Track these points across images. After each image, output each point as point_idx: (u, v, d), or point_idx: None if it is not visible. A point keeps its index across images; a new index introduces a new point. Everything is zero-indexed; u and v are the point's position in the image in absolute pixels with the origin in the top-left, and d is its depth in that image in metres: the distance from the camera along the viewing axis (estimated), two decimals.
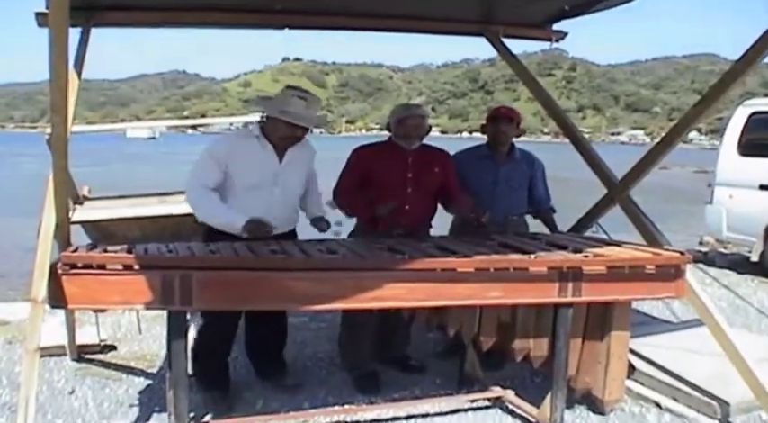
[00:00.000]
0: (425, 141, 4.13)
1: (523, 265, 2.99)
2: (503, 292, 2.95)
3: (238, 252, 2.96)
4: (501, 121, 4.29)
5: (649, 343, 4.32)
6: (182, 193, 4.62)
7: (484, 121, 4.42)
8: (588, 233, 4.36)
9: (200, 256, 2.85)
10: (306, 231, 3.88)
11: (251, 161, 3.60)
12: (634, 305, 3.52)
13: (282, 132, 3.57)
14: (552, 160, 5.63)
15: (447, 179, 4.08)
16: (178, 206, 4.53)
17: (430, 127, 4.13)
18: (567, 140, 4.69)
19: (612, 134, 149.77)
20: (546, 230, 4.31)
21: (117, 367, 4.32)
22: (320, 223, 3.83)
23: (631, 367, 3.60)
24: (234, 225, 3.45)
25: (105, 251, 2.80)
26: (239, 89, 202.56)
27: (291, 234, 3.81)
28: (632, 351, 3.70)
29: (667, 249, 3.45)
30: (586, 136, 4.82)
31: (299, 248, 3.07)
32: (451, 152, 4.35)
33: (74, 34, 3.70)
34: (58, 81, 2.17)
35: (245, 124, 6.12)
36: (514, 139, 4.39)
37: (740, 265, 8.37)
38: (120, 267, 2.64)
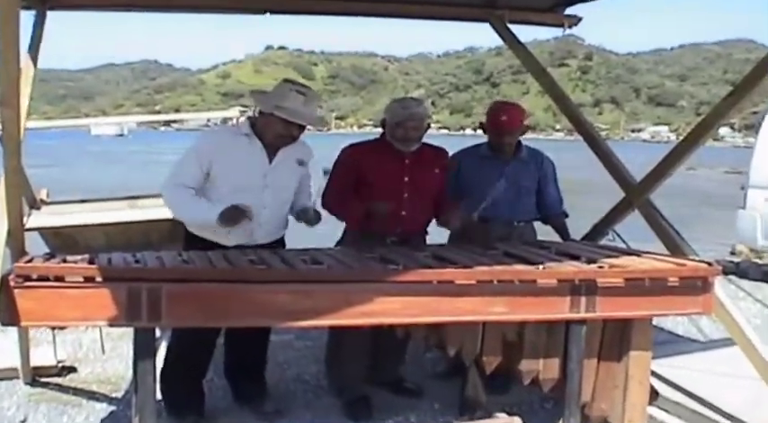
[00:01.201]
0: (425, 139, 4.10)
1: (531, 276, 2.99)
2: (508, 307, 2.95)
3: (213, 262, 2.96)
4: (503, 134, 4.22)
5: (674, 364, 4.32)
6: (154, 196, 4.62)
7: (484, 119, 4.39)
8: (604, 241, 4.37)
9: (170, 266, 2.85)
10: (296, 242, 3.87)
11: (238, 161, 3.61)
12: (656, 322, 3.52)
13: (278, 130, 3.58)
14: (565, 160, 5.65)
15: (442, 183, 4.10)
16: (149, 211, 4.54)
17: (429, 124, 4.11)
18: (581, 138, 4.69)
19: (633, 131, 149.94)
20: (557, 238, 4.31)
21: (76, 392, 4.31)
22: (306, 214, 3.71)
23: (654, 392, 3.59)
24: (210, 219, 3.47)
25: (64, 261, 2.79)
26: (217, 81, 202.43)
27: (280, 243, 3.82)
28: (654, 374, 3.69)
29: (693, 260, 3.44)
30: (603, 133, 4.86)
31: (281, 258, 3.07)
32: (451, 151, 4.35)
33: (29, 18, 3.71)
34: (8, 70, 2.16)
35: (225, 120, 6.14)
36: (521, 137, 4.37)
37: None
38: (81, 279, 2.63)
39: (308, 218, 3.71)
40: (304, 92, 3.60)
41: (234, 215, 3.45)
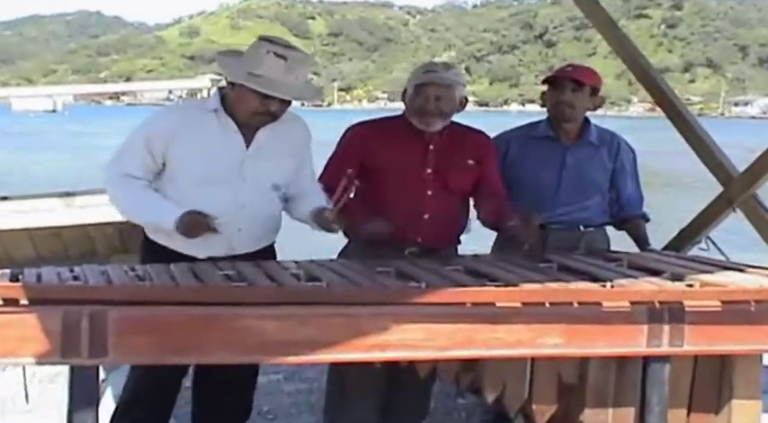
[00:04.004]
0: (456, 118, 4.08)
1: (595, 298, 2.98)
2: (564, 337, 2.94)
3: (177, 279, 2.96)
4: (565, 87, 4.22)
5: None
6: (98, 192, 4.63)
7: (543, 87, 4.40)
8: (694, 251, 4.36)
9: (119, 284, 2.85)
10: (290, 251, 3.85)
11: (203, 145, 3.60)
12: None
13: (252, 106, 3.53)
14: (645, 142, 5.63)
15: (486, 175, 4.08)
16: (91, 211, 4.54)
17: (465, 99, 4.05)
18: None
19: (737, 104, 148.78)
20: (634, 247, 4.30)
21: None
22: (324, 218, 3.61)
23: None
24: (166, 225, 3.48)
25: None
26: (182, 40, 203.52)
27: (267, 252, 3.82)
28: None
29: None
30: (697, 107, 4.88)
31: (266, 273, 3.08)
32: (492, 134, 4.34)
33: None
34: None
35: (192, 92, 6.17)
36: (590, 113, 4.37)
37: None
38: (0, 302, 2.64)
39: (328, 224, 3.62)
40: (285, 55, 3.49)
41: (194, 223, 3.43)
